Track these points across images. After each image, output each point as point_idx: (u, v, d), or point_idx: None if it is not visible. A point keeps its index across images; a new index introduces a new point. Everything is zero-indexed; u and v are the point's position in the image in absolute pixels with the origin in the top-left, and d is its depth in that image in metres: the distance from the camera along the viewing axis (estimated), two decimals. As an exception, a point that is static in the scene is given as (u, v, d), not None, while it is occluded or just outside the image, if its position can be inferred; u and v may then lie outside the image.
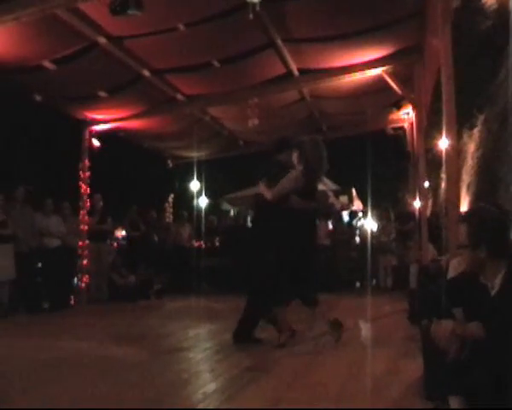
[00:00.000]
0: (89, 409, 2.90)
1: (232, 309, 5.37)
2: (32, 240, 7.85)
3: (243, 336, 4.72)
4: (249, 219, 13.86)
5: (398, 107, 9.17)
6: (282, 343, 4.55)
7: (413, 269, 6.94)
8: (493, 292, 2.24)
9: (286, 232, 4.52)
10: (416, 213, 8.59)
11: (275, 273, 4.54)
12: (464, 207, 7.28)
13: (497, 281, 2.23)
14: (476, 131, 9.68)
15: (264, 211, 4.85)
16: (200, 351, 4.66)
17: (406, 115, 9.85)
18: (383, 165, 13.62)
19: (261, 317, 4.78)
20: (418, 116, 7.92)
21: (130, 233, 10.68)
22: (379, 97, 8.78)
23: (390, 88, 7.84)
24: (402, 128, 10.72)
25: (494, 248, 2.24)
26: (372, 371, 3.58)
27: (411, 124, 9.27)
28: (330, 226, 11.32)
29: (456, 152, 4.13)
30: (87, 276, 8.95)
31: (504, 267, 2.23)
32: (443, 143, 4.41)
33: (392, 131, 11.00)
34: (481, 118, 9.38)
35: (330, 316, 4.75)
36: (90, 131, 9.23)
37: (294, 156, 4.64)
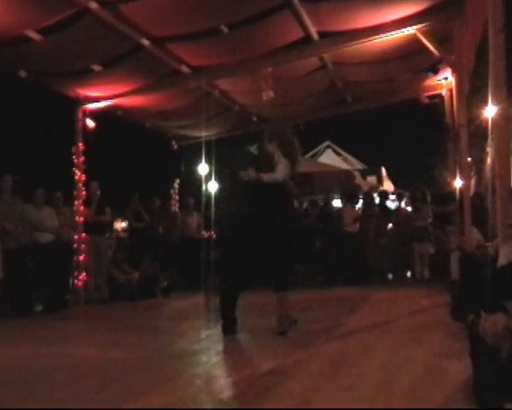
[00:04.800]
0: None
1: (246, 306, 5.37)
2: (22, 235, 7.90)
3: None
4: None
5: (435, 71, 9.08)
6: (284, 331, 4.99)
7: (454, 257, 6.90)
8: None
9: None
10: (457, 193, 8.50)
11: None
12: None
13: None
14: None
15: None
16: (215, 354, 4.68)
17: (444, 81, 9.74)
18: (417, 139, 13.49)
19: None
20: (459, 81, 7.79)
21: (133, 225, 10.75)
22: (412, 61, 8.69)
23: (425, 49, 7.72)
24: (439, 96, 10.58)
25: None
26: (410, 373, 3.56)
27: (450, 90, 9.16)
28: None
29: (506, 120, 4.05)
30: (84, 273, 9.05)
31: None
32: (489, 111, 4.32)
33: (427, 100, 10.87)
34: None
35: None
36: (84, 111, 9.30)
37: (273, 146, 5.30)
